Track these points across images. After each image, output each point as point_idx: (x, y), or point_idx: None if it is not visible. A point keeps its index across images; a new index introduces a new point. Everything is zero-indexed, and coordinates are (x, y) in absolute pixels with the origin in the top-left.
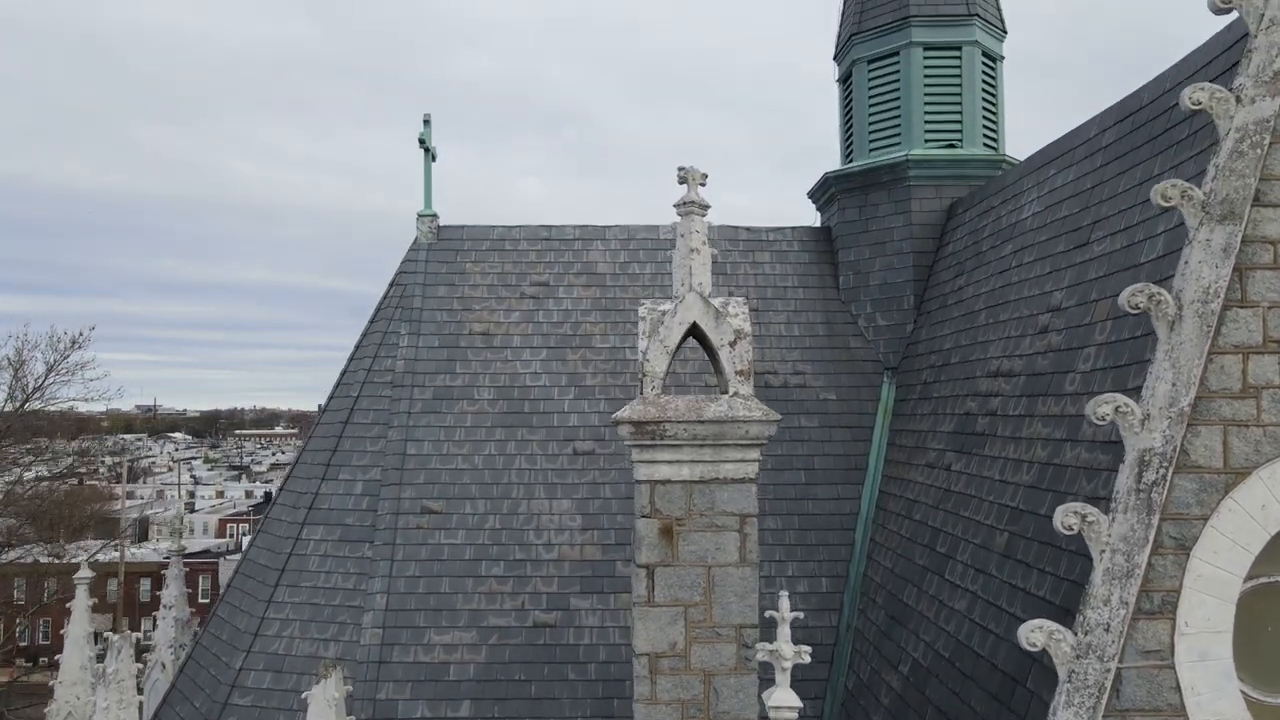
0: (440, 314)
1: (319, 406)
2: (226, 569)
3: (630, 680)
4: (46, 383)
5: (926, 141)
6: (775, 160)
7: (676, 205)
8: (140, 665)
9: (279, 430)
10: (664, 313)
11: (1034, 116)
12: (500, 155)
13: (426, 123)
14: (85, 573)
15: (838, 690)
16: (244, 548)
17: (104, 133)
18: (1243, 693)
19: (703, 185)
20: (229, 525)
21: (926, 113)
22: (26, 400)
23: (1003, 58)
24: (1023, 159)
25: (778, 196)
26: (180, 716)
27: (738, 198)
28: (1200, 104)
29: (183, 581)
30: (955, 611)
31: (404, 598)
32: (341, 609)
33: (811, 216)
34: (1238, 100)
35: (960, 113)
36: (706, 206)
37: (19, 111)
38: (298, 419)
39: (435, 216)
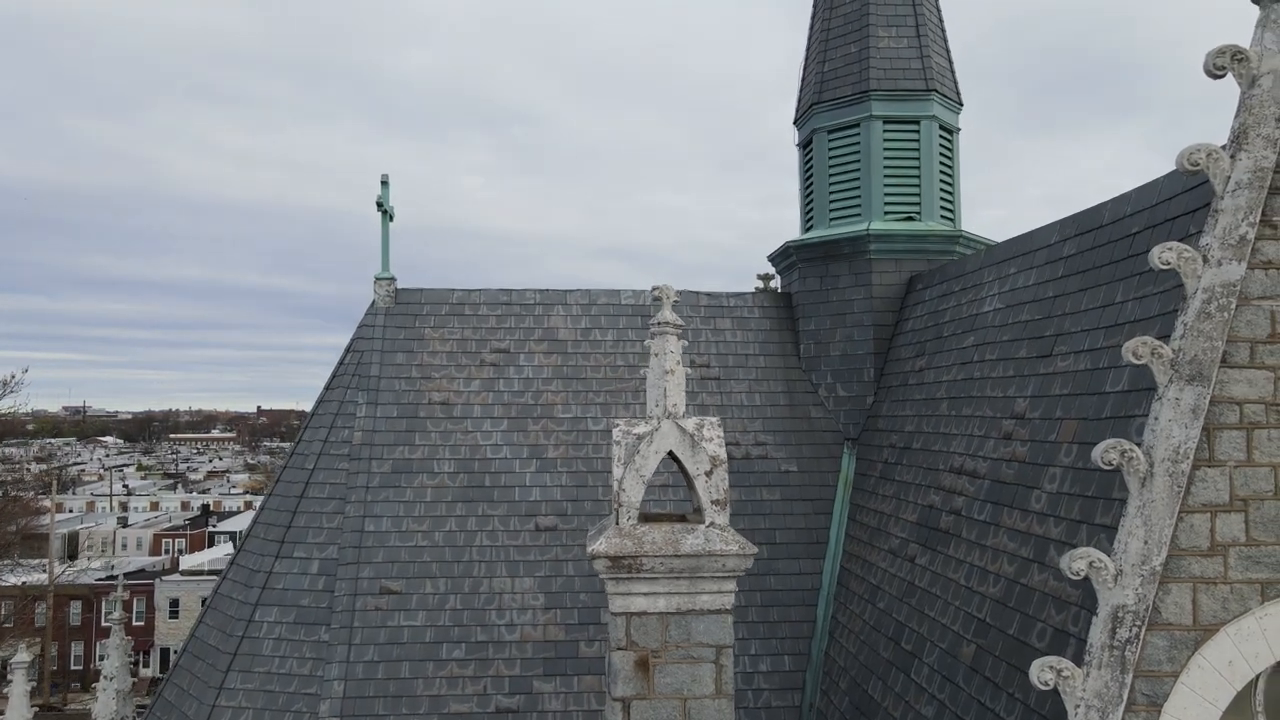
0: (399, 382)
1: (258, 408)
2: (163, 590)
3: None
4: None
5: (886, 213)
6: (717, 162)
7: (651, 324)
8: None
9: (216, 434)
10: (639, 437)
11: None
12: (444, 153)
13: (385, 184)
14: (23, 656)
15: None
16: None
17: (28, 123)
18: None
19: (677, 301)
20: (164, 540)
21: (886, 185)
22: None
23: (959, 130)
24: (977, 227)
25: (721, 198)
26: None
27: (680, 199)
28: (1169, 264)
29: (124, 652)
30: (923, 717)
31: (362, 684)
32: (297, 696)
33: (749, 230)
34: (1205, 261)
35: (919, 185)
36: (680, 326)
37: None
38: (235, 421)
39: (393, 280)
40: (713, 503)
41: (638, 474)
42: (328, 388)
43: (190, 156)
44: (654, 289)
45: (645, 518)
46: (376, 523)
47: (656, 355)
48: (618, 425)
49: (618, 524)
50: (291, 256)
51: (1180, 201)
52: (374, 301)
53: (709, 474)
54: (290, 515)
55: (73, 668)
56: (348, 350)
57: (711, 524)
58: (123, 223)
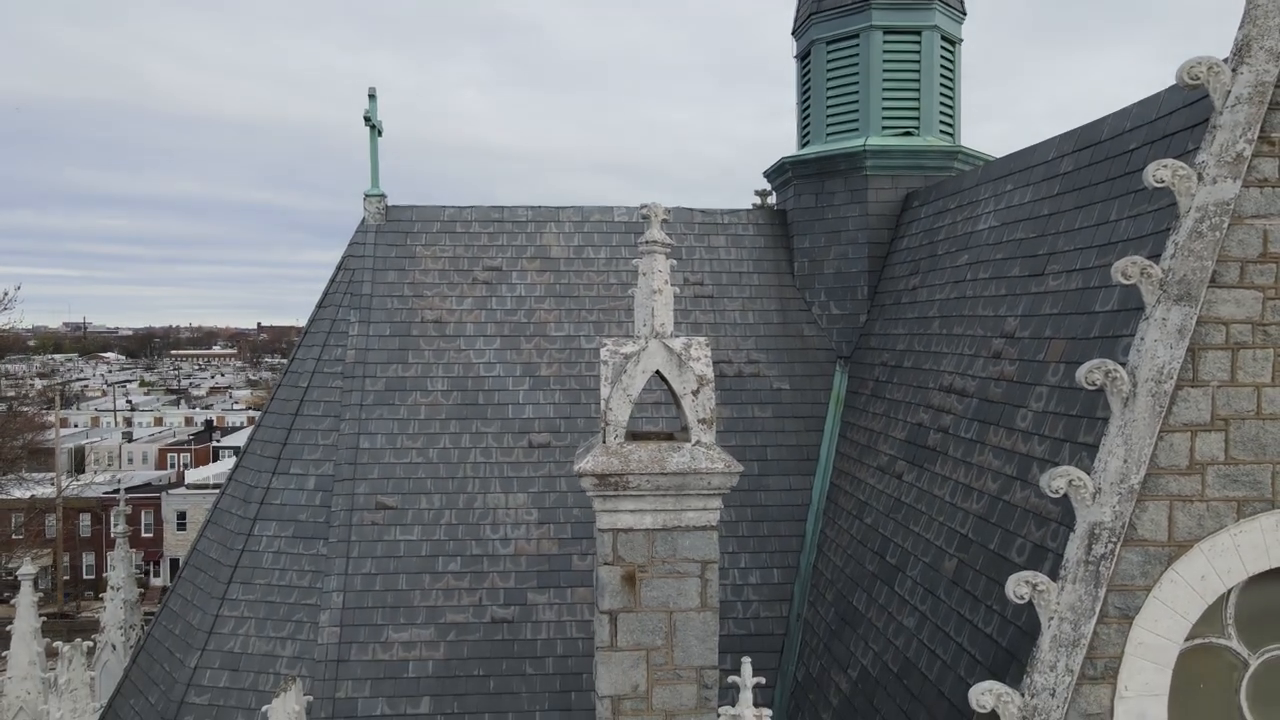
0: (391, 300)
1: (258, 325)
2: (169, 503)
3: (588, 674)
4: None
5: (884, 128)
6: (718, 74)
7: (639, 243)
8: (91, 643)
9: (217, 350)
10: (626, 357)
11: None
12: (438, 64)
13: (372, 97)
14: (28, 569)
15: (788, 679)
16: (188, 480)
17: (6, 31)
18: None
19: (666, 220)
20: (169, 455)
21: (885, 98)
22: None
23: (961, 40)
24: (976, 144)
25: (720, 112)
26: (135, 711)
27: (679, 113)
28: (1164, 182)
29: (129, 563)
30: (904, 627)
31: (361, 595)
32: (297, 607)
33: (742, 130)
34: (1200, 179)
35: (918, 99)
36: (669, 245)
37: None
38: (236, 337)
39: (383, 196)
40: (699, 421)
41: (625, 393)
42: (320, 306)
43: (175, 67)
44: (642, 207)
45: (633, 436)
46: (371, 440)
47: (644, 275)
48: (605, 345)
49: (605, 442)
50: (285, 171)
51: (1180, 117)
52: (364, 219)
53: (695, 393)
54: (286, 432)
55: (85, 577)
56: (339, 268)
57: (698, 442)
58: (109, 135)
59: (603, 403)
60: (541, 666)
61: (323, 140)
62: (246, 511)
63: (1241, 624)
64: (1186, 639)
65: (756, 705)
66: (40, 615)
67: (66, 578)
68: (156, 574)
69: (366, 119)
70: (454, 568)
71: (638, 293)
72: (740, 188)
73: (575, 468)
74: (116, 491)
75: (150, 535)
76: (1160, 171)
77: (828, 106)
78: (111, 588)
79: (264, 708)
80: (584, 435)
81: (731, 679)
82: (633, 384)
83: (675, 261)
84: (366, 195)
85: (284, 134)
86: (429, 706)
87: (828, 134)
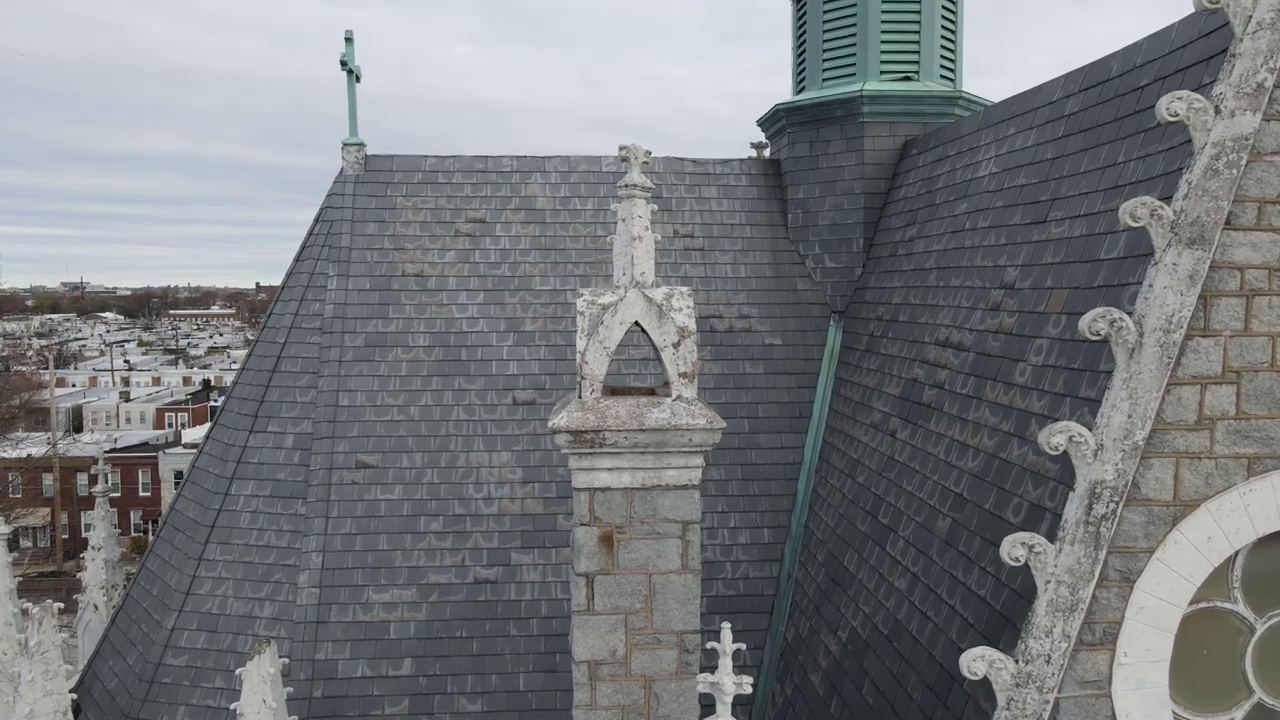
0: (370, 253)
1: (256, 285)
2: (167, 462)
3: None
4: None
5: (882, 73)
6: (717, 30)
7: (618, 187)
8: (60, 605)
9: (215, 310)
10: (604, 308)
11: None
12: (430, 18)
13: (349, 40)
14: (2, 528)
15: (777, 639)
16: (188, 444)
17: None
18: (1175, 713)
19: (646, 162)
20: (167, 415)
21: (883, 40)
22: None
23: None
24: (976, 88)
25: (719, 68)
26: (114, 672)
27: (678, 69)
28: (1178, 115)
29: (109, 523)
30: (895, 589)
31: (341, 556)
32: (276, 567)
33: (744, 82)
34: (1216, 111)
35: (918, 41)
36: (650, 189)
37: None
38: (234, 298)
39: (362, 145)
40: (680, 375)
41: (601, 346)
42: (297, 259)
43: (161, 19)
44: (621, 148)
45: (613, 391)
46: (351, 397)
47: (624, 220)
48: (582, 295)
49: (581, 398)
50: (277, 128)
51: (1195, 49)
52: (343, 169)
53: (676, 345)
54: (263, 390)
55: (84, 536)
56: (317, 220)
57: (678, 397)
58: (99, 92)
59: (578, 356)
60: (525, 628)
61: (317, 97)
62: (224, 470)
63: (1248, 587)
64: (1190, 603)
65: (738, 671)
66: (39, 574)
67: (65, 537)
68: (155, 533)
69: (343, 63)
70: (436, 527)
71: (616, 240)
72: (739, 144)
73: (550, 424)
74: (113, 451)
75: (148, 494)
76: (1174, 104)
77: (824, 49)
78: (92, 547)
79: (238, 670)
80: (571, 392)
81: (710, 645)
82: (610, 336)
83: (666, 213)
84: (344, 144)
85: (274, 89)
86: (411, 668)
87: (823, 79)
